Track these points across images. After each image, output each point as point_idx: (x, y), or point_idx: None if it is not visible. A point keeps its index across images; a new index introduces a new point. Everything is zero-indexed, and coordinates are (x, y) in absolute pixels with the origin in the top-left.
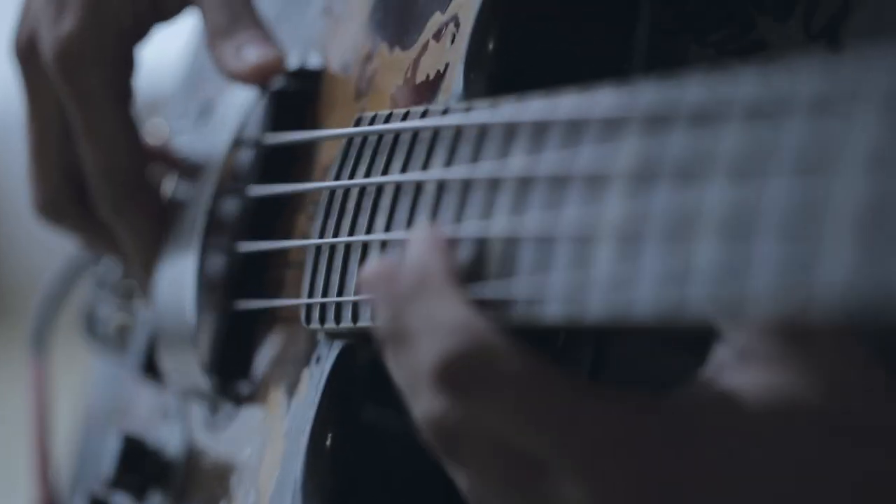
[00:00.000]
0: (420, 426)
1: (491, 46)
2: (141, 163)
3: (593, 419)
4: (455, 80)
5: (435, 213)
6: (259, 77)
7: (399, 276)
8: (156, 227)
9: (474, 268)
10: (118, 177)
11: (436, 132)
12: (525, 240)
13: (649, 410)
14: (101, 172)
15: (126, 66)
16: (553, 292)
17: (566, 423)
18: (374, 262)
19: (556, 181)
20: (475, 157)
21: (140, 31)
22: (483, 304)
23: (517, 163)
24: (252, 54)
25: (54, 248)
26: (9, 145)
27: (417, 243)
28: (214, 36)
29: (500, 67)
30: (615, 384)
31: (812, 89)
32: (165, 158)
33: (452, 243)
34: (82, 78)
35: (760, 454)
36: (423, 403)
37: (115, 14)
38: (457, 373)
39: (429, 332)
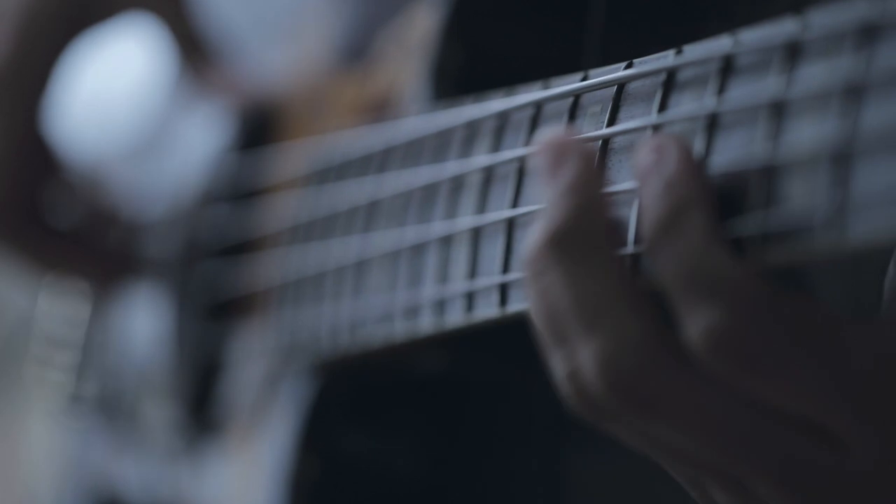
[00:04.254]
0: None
1: (455, 55)
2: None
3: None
4: (417, 90)
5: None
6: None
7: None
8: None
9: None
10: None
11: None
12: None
13: None
14: None
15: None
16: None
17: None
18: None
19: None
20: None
21: (70, 40)
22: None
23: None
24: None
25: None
26: None
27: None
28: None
29: (465, 73)
30: None
31: None
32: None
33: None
34: (10, 101)
35: None
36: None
37: (44, 32)
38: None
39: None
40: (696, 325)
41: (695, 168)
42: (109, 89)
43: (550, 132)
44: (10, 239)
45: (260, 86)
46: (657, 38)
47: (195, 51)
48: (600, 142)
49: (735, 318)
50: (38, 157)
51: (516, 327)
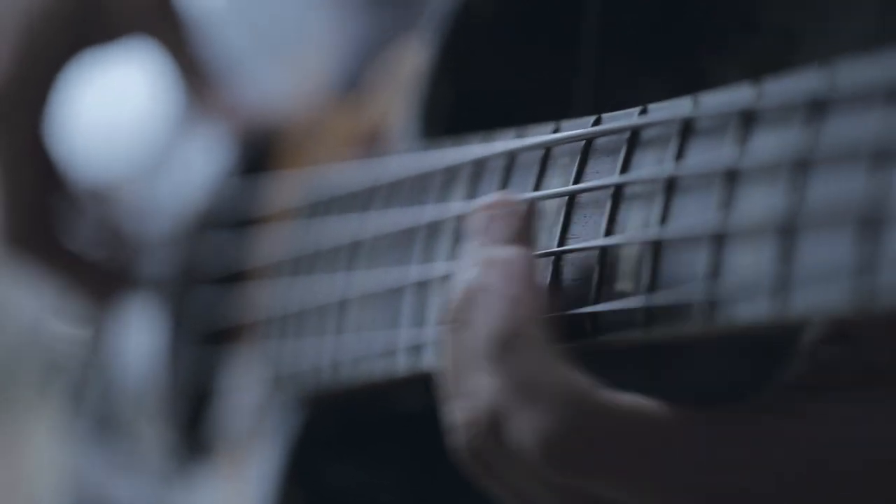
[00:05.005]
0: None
1: (444, 93)
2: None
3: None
4: (405, 126)
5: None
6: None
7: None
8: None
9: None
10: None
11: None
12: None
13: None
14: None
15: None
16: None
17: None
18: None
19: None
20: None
21: (70, 58)
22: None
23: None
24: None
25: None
26: None
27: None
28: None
29: (453, 111)
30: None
31: None
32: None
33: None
34: (14, 118)
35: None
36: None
37: (46, 51)
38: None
39: (531, 404)
40: (526, 436)
41: (526, 278)
42: (111, 112)
43: (486, 198)
44: (18, 251)
45: (259, 111)
46: (649, 79)
47: (196, 75)
48: (567, 198)
49: (560, 425)
50: (44, 172)
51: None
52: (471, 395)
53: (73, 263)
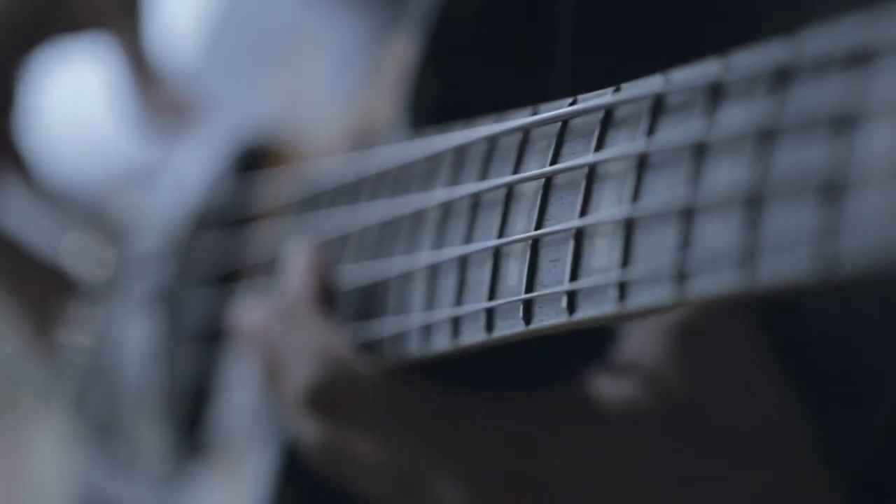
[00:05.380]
0: (305, 451)
1: (431, 86)
2: None
3: (454, 428)
4: (394, 119)
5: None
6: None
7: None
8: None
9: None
10: None
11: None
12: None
13: (515, 412)
14: None
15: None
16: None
17: (425, 436)
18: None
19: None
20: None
21: (31, 51)
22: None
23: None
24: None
25: None
26: None
27: (291, 270)
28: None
29: (441, 104)
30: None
31: None
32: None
33: (323, 268)
34: None
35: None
36: (303, 429)
37: (7, 43)
38: (321, 399)
39: (298, 362)
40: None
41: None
42: (72, 106)
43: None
44: None
45: (194, 107)
46: (629, 69)
47: (145, 71)
48: (543, 181)
49: (323, 376)
50: (11, 168)
51: (504, 358)
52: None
53: (22, 265)
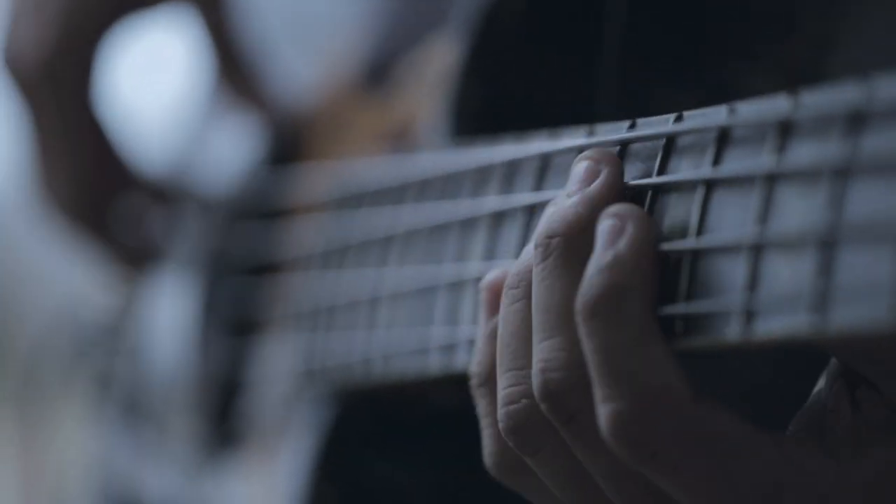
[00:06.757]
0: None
1: (475, 92)
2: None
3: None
4: (435, 124)
5: None
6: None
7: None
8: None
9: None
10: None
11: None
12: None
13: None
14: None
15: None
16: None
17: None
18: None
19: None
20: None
21: (113, 24)
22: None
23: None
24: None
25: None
26: None
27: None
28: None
29: (483, 110)
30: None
31: None
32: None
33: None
34: (60, 86)
35: None
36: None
37: (87, 20)
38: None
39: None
40: (605, 405)
41: (646, 249)
42: (150, 80)
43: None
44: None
45: (287, 102)
46: (674, 81)
47: (230, 58)
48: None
49: (642, 412)
50: (94, 141)
51: None
52: (545, 360)
53: (113, 233)
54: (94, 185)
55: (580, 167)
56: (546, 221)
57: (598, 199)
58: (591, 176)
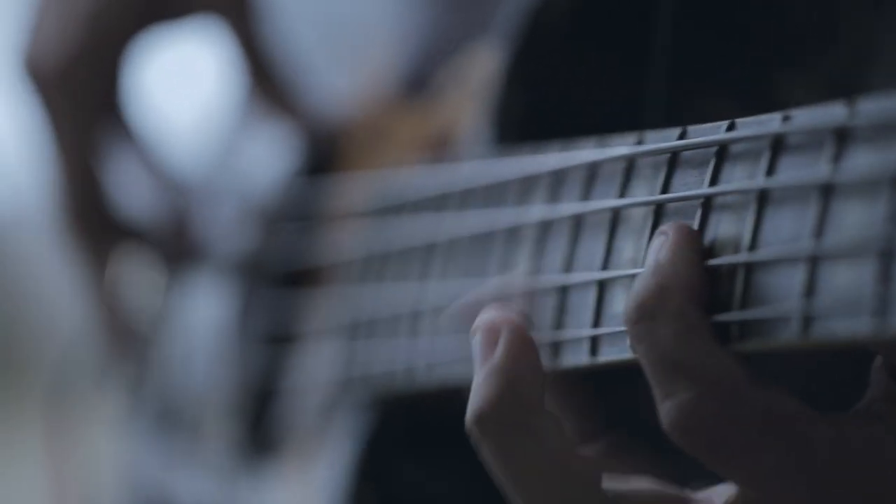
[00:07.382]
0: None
1: (518, 100)
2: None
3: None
4: (477, 132)
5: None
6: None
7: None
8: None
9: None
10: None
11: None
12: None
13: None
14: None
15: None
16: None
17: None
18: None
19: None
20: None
21: (140, 32)
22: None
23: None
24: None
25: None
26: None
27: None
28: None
29: (526, 118)
30: None
31: None
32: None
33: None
34: (85, 91)
35: None
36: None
37: (117, 23)
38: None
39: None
40: (665, 401)
41: (686, 253)
42: (178, 88)
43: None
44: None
45: (321, 112)
46: (720, 90)
47: (262, 68)
48: (653, 206)
49: (702, 400)
50: (117, 148)
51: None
52: None
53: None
54: (109, 200)
55: None
56: None
57: None
58: None
